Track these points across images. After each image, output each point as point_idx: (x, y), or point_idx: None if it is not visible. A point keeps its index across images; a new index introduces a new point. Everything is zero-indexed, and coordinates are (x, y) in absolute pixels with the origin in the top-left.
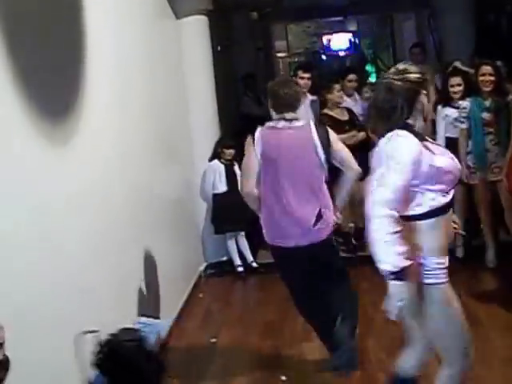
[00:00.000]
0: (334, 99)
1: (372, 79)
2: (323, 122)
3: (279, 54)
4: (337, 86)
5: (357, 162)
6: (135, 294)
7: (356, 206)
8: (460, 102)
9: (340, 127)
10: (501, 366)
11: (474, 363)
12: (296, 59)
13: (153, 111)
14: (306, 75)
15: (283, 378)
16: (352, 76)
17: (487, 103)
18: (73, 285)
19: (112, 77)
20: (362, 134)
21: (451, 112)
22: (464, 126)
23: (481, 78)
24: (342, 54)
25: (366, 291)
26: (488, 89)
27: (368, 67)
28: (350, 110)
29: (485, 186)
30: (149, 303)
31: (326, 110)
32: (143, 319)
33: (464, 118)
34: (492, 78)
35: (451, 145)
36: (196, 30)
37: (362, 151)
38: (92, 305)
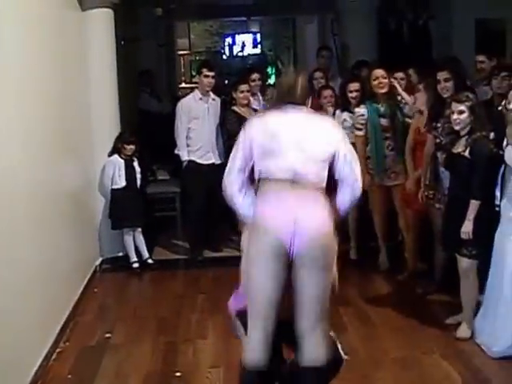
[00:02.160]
0: (240, 99)
1: (271, 81)
2: (228, 118)
3: (180, 52)
4: (243, 86)
5: None
6: (27, 286)
7: None
8: (356, 110)
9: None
10: (391, 366)
11: (364, 363)
12: (197, 57)
13: (53, 103)
14: (211, 74)
15: (178, 374)
16: (255, 75)
17: (382, 109)
18: None
19: (11, 68)
20: None
21: (349, 117)
22: (361, 132)
23: (374, 82)
24: (243, 54)
25: None
26: (382, 91)
27: (269, 68)
28: (257, 111)
29: (381, 190)
30: (42, 297)
31: (234, 108)
32: None
33: (362, 124)
34: (385, 81)
35: None
36: (101, 22)
37: None
38: None
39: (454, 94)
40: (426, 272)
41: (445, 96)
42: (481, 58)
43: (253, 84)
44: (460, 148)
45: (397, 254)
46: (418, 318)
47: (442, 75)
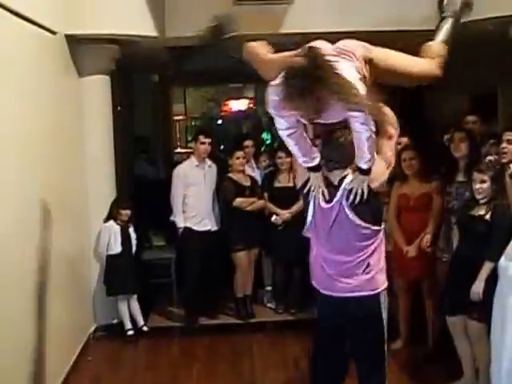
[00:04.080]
0: (236, 166)
1: (267, 147)
2: (224, 185)
3: (176, 117)
4: (239, 153)
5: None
6: (20, 353)
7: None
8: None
9: (241, 192)
10: None
11: None
12: (193, 123)
13: (49, 169)
14: (207, 140)
15: None
16: (248, 142)
17: None
18: None
19: (8, 134)
20: (261, 202)
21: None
22: None
23: None
24: (238, 119)
25: (256, 357)
26: None
27: (264, 135)
28: (252, 177)
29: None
30: (34, 364)
31: (230, 174)
32: None
33: None
34: None
35: None
36: (98, 88)
37: (257, 220)
38: None
39: (469, 154)
40: (423, 338)
41: (456, 155)
42: (472, 118)
43: (246, 151)
44: (481, 211)
45: (394, 321)
46: None
47: (458, 134)
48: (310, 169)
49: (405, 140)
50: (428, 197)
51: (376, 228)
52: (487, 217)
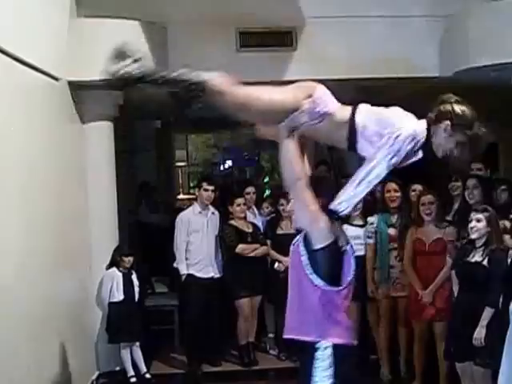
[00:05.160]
0: (237, 213)
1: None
2: (226, 232)
3: (179, 163)
4: (239, 200)
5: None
6: None
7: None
8: (368, 219)
9: (243, 238)
10: None
11: None
12: (195, 169)
13: (51, 216)
14: (210, 187)
15: None
16: (250, 189)
17: (393, 219)
18: None
19: (11, 185)
20: (263, 248)
21: (352, 230)
22: (371, 241)
23: (387, 195)
24: (240, 165)
25: None
26: (394, 204)
27: (266, 179)
28: (254, 224)
29: (387, 301)
30: None
31: (231, 221)
32: None
33: (372, 233)
34: (397, 194)
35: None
36: (101, 135)
37: (260, 266)
38: None
39: (481, 200)
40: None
41: (470, 202)
42: (478, 165)
43: (247, 197)
44: (477, 257)
45: (399, 366)
46: None
47: (471, 181)
48: None
49: (419, 188)
50: (442, 241)
51: None
52: (484, 262)
